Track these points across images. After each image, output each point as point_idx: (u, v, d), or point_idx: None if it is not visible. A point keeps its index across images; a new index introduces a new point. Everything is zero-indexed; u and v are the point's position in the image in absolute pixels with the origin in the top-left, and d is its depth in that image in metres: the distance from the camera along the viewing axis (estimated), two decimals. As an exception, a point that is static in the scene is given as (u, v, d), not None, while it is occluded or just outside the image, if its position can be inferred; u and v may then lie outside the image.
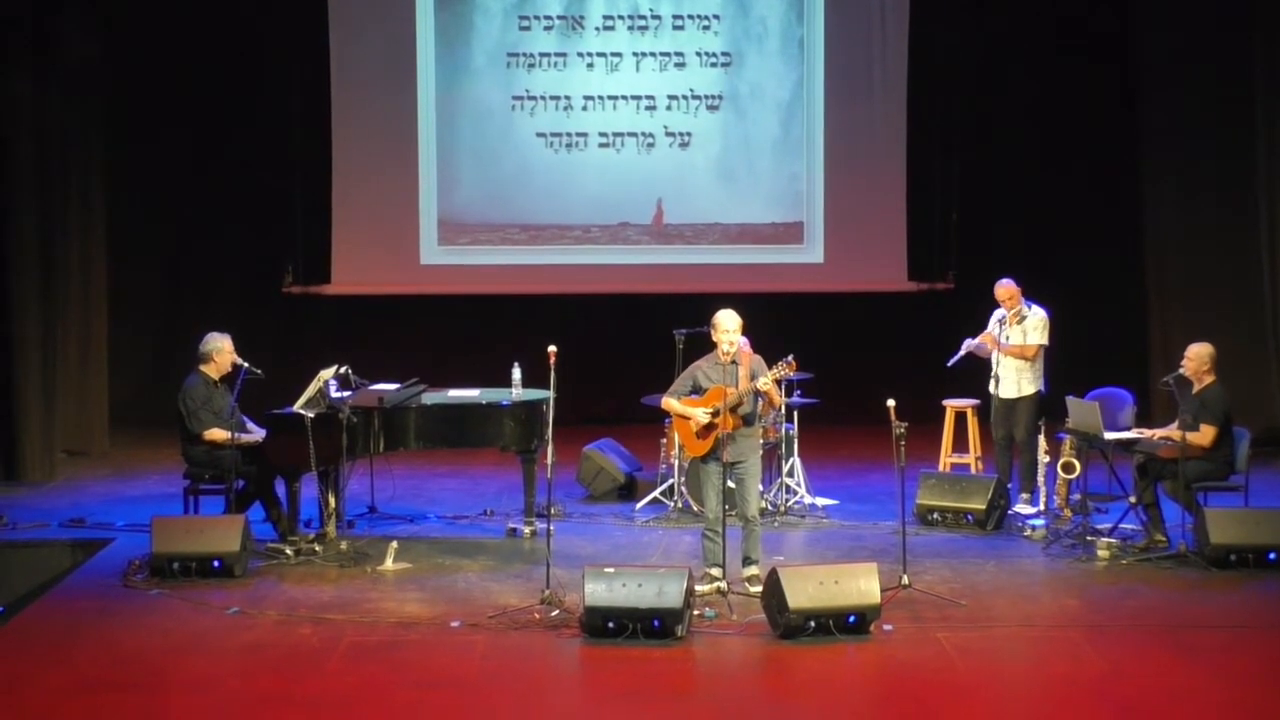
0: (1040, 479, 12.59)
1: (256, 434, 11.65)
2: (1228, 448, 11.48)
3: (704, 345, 10.86)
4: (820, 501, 13.05)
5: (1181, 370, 11.60)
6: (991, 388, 12.79)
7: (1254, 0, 14.86)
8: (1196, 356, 11.59)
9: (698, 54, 16.87)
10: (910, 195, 16.90)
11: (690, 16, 16.84)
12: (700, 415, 10.45)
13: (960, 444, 13.68)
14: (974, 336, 12.91)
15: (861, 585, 9.56)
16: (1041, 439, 12.55)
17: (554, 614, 9.84)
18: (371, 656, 9.27)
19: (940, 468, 13.43)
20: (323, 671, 9.02)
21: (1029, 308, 12.76)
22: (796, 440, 13.02)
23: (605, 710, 8.73)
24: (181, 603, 10.27)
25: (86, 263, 15.37)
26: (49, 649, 9.42)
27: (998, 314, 12.88)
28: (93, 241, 15.48)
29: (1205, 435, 11.36)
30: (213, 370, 11.71)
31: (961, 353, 12.94)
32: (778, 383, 10.69)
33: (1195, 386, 11.58)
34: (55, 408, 14.54)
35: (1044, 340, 12.73)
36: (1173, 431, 11.47)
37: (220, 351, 11.72)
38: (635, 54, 16.87)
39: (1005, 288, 12.81)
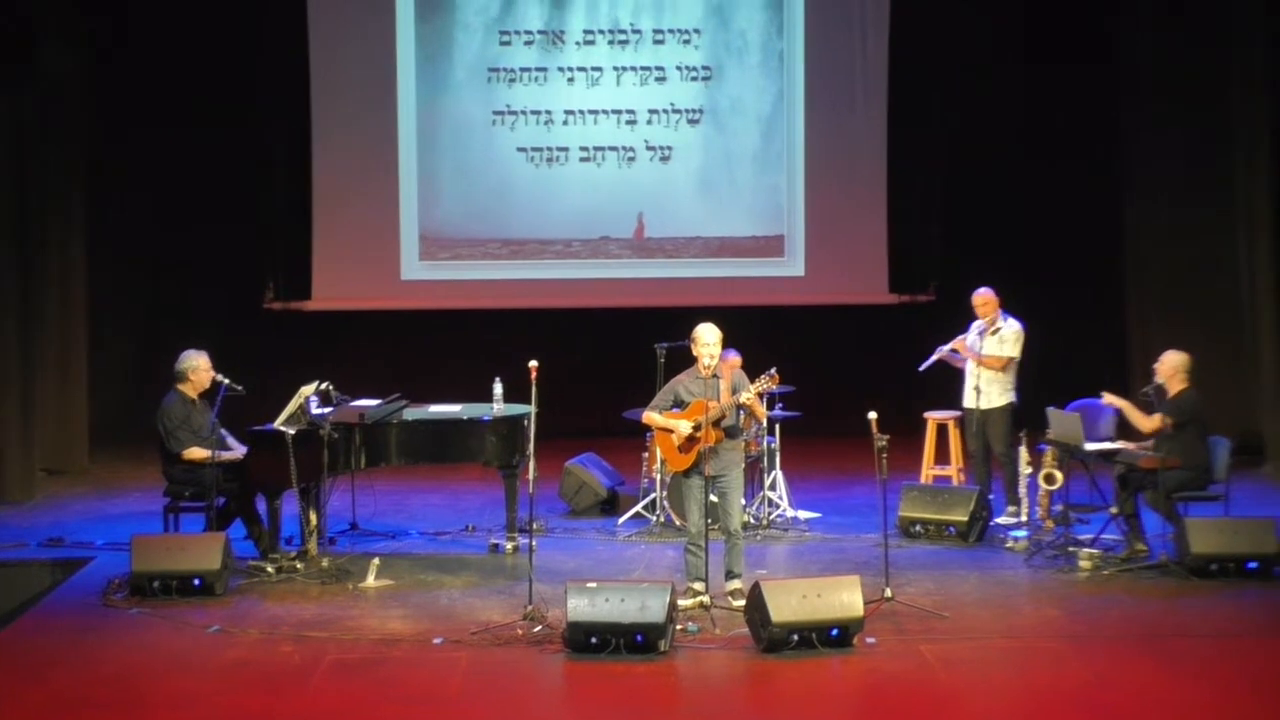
0: (1022, 490, 12.61)
1: (237, 451, 11.62)
2: (1204, 455, 11.50)
3: (685, 359, 10.86)
4: (802, 514, 13.05)
5: (1159, 380, 11.65)
6: (970, 400, 12.78)
7: (1230, 14, 14.89)
8: (1166, 362, 11.66)
9: (678, 68, 16.91)
10: (891, 207, 16.96)
11: (670, 31, 16.88)
12: (683, 428, 10.45)
13: (942, 456, 13.69)
14: (945, 344, 12.93)
15: (844, 598, 9.55)
16: (1023, 450, 12.57)
17: (537, 630, 9.82)
18: (354, 674, 9.24)
19: (922, 480, 13.44)
20: (305, 689, 8.99)
21: (1004, 319, 12.78)
22: (778, 453, 13.02)
23: (588, 726, 8.73)
24: (162, 621, 10.23)
25: (66, 279, 15.34)
26: (28, 669, 9.37)
27: (977, 324, 12.90)
28: (72, 258, 15.44)
29: (1153, 421, 11.41)
30: (190, 389, 11.68)
31: (933, 359, 12.96)
32: (760, 396, 10.68)
33: (1169, 392, 11.62)
34: (34, 426, 14.48)
35: (1015, 353, 12.75)
36: (1149, 425, 11.50)
37: (196, 370, 11.69)
38: (616, 68, 16.91)
39: (981, 295, 12.85)
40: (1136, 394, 11.93)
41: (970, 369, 12.79)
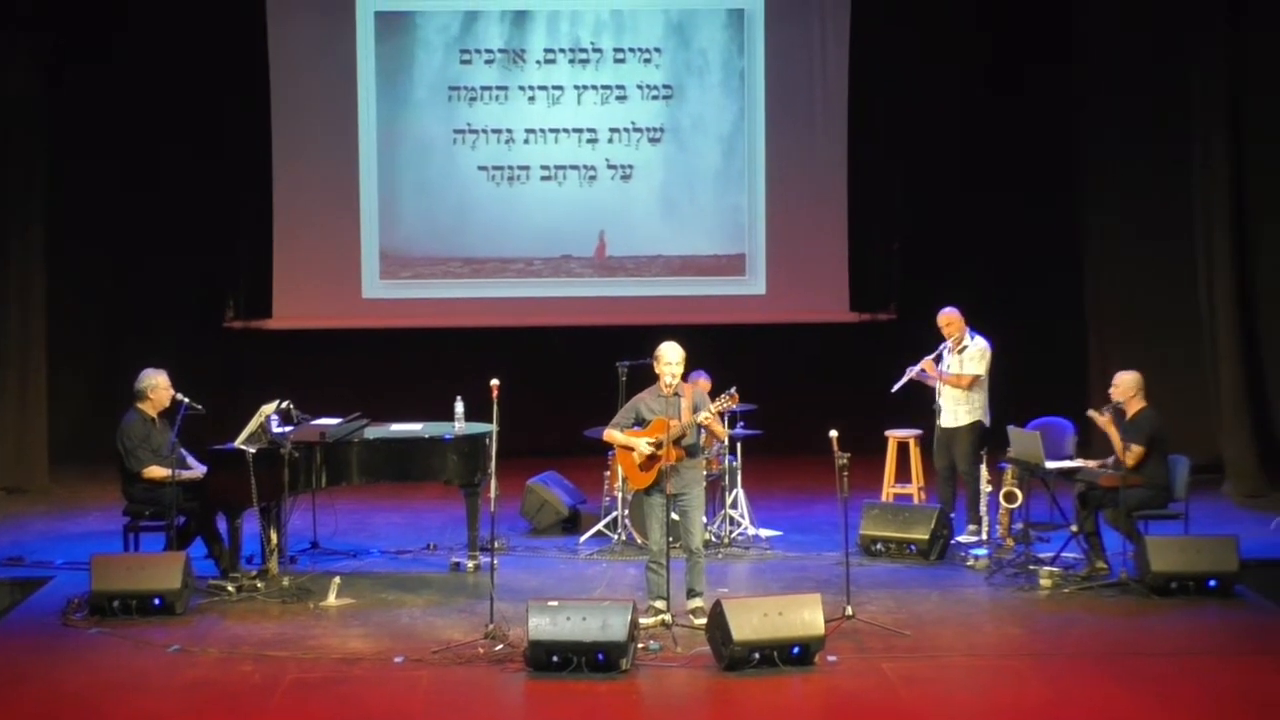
0: (982, 508, 12.64)
1: (197, 470, 11.58)
2: (1164, 473, 11.55)
3: (647, 377, 10.86)
4: (764, 533, 13.05)
5: (1118, 401, 11.70)
6: (938, 417, 12.86)
7: (1188, 35, 14.97)
8: (1122, 383, 11.72)
9: (639, 87, 16.93)
10: (852, 226, 16.99)
11: (631, 49, 16.90)
12: (643, 447, 10.45)
13: (903, 474, 13.71)
14: (915, 364, 12.96)
15: (805, 616, 9.56)
16: (984, 469, 12.61)
17: (498, 648, 9.80)
18: (315, 693, 9.21)
19: (883, 498, 13.46)
20: (266, 709, 8.96)
21: (971, 337, 12.83)
22: (740, 471, 13.03)
23: (550, 745, 8.72)
24: (122, 641, 10.18)
25: (24, 297, 15.25)
26: (-13, 689, 9.34)
27: (946, 343, 12.94)
28: (31, 276, 15.35)
29: (1133, 454, 11.45)
30: (150, 407, 11.63)
31: (905, 379, 12.97)
32: (720, 415, 10.69)
33: (1128, 413, 11.68)
34: (-7, 445, 14.43)
35: (979, 371, 12.79)
36: (1110, 457, 11.55)
37: (156, 388, 11.64)
38: (577, 87, 16.92)
39: (945, 315, 12.89)
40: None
41: (938, 387, 12.84)
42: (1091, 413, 11.85)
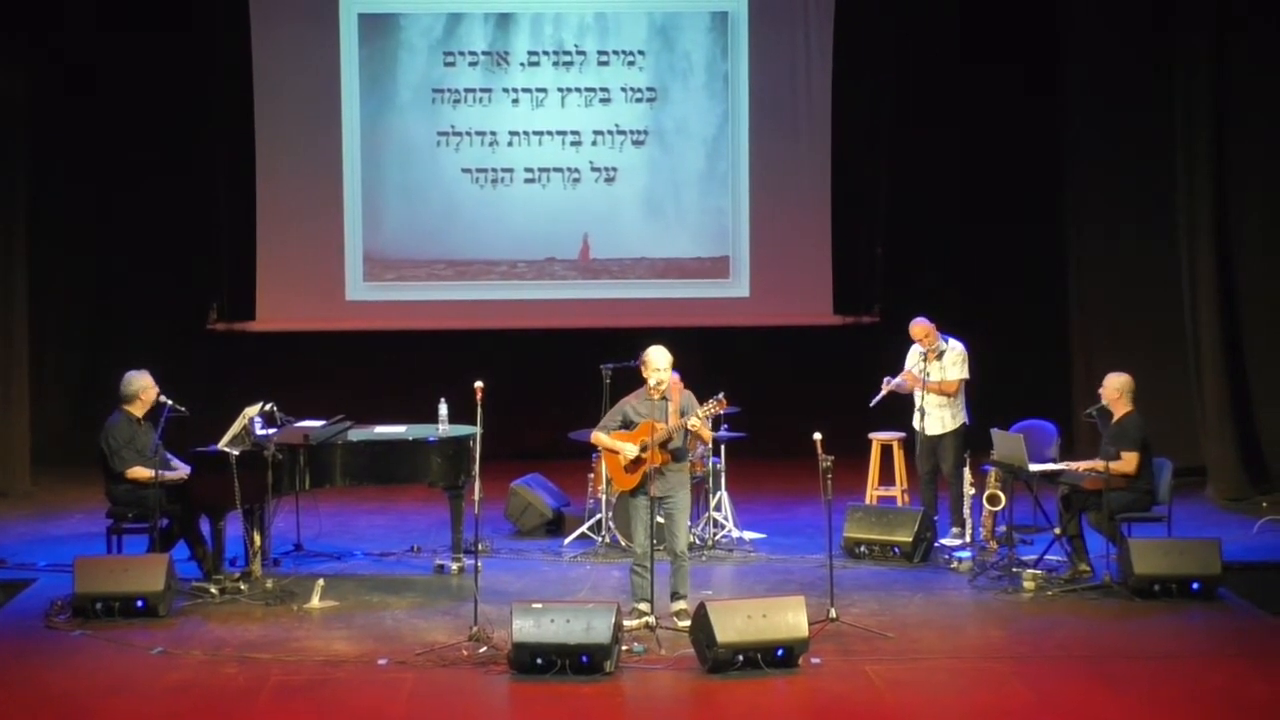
0: (966, 511, 12.66)
1: (181, 471, 11.55)
2: (1149, 477, 11.57)
3: (631, 379, 10.87)
4: (748, 535, 13.06)
5: (1104, 402, 11.71)
6: (916, 423, 12.86)
7: (1174, 40, 15.00)
8: (1110, 385, 11.74)
9: (623, 89, 16.93)
10: (835, 229, 16.99)
11: (615, 52, 16.89)
12: (629, 449, 10.45)
13: (886, 477, 13.71)
14: (894, 375, 12.97)
15: (789, 619, 9.57)
16: (967, 471, 12.63)
17: (482, 651, 9.80)
18: (299, 695, 9.20)
19: (867, 500, 13.46)
20: (250, 711, 8.96)
21: (946, 342, 12.84)
22: (724, 474, 13.03)
23: (534, 747, 8.72)
24: (105, 643, 10.16)
25: (8, 299, 15.20)
26: (-30, 692, 9.31)
27: (915, 350, 12.94)
28: (14, 277, 15.32)
29: (1128, 462, 11.45)
30: (136, 408, 11.61)
31: (883, 392, 12.97)
32: (707, 419, 10.70)
33: (1113, 416, 11.69)
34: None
35: (964, 374, 12.81)
36: (1096, 463, 11.54)
37: (142, 389, 11.62)
38: (561, 89, 16.91)
39: (920, 326, 12.87)
40: (1080, 415, 11.97)
41: (921, 394, 12.83)
42: None
